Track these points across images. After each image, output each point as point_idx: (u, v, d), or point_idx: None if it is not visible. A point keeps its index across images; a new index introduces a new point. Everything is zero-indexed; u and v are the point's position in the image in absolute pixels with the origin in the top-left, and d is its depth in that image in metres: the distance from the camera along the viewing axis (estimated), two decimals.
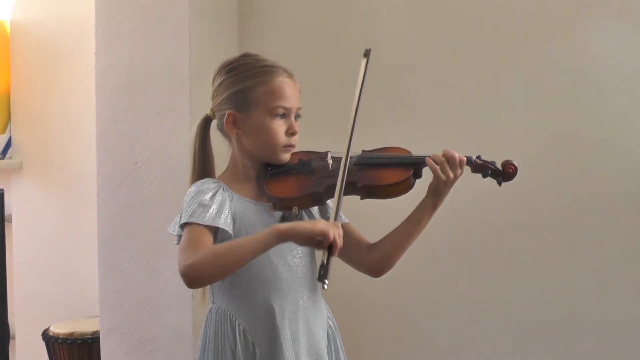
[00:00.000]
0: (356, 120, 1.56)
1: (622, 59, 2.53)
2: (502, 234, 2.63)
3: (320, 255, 1.43)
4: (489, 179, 1.65)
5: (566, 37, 2.57)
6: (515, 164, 1.63)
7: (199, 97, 2.46)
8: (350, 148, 1.55)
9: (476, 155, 1.65)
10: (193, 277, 1.47)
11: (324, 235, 1.41)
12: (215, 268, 1.47)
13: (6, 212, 3.15)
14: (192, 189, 1.60)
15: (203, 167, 1.69)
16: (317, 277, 1.42)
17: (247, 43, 2.82)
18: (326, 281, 1.40)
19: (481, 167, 1.64)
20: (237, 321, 1.60)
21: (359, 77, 1.58)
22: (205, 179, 1.64)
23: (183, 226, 1.55)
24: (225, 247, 1.50)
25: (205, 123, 1.70)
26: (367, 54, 1.60)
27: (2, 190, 2.97)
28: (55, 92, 3.41)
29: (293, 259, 1.64)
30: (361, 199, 1.64)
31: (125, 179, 2.54)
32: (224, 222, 1.55)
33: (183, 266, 1.47)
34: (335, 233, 1.42)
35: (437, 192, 1.62)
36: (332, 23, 2.80)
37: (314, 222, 1.48)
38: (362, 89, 1.57)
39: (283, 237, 1.45)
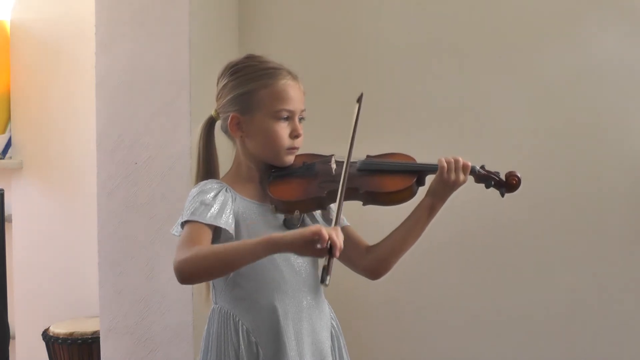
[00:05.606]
0: (350, 155, 1.55)
1: (622, 58, 2.53)
2: (503, 233, 2.63)
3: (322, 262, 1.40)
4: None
5: (566, 37, 2.58)
6: (519, 175, 1.62)
7: (199, 97, 2.46)
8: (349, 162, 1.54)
9: (480, 165, 1.64)
10: (185, 273, 1.46)
11: (318, 234, 1.34)
12: (207, 267, 1.45)
13: (6, 212, 3.15)
14: (195, 189, 1.60)
15: (208, 168, 1.69)
16: (319, 279, 1.38)
17: (247, 43, 2.82)
18: (328, 278, 1.35)
19: (485, 178, 1.64)
20: (240, 321, 1.60)
21: (353, 119, 1.58)
22: (209, 180, 1.64)
23: (184, 225, 1.54)
24: (220, 248, 1.49)
25: (210, 124, 1.69)
26: (359, 99, 1.61)
27: (2, 190, 2.97)
28: (55, 92, 3.41)
29: (296, 260, 1.63)
30: (363, 204, 1.64)
31: (125, 179, 2.54)
32: (225, 222, 1.54)
33: (177, 261, 1.46)
34: (332, 233, 1.36)
35: (436, 193, 1.62)
36: (333, 23, 2.80)
37: (305, 227, 1.42)
38: (355, 130, 1.57)
39: (276, 247, 1.41)
